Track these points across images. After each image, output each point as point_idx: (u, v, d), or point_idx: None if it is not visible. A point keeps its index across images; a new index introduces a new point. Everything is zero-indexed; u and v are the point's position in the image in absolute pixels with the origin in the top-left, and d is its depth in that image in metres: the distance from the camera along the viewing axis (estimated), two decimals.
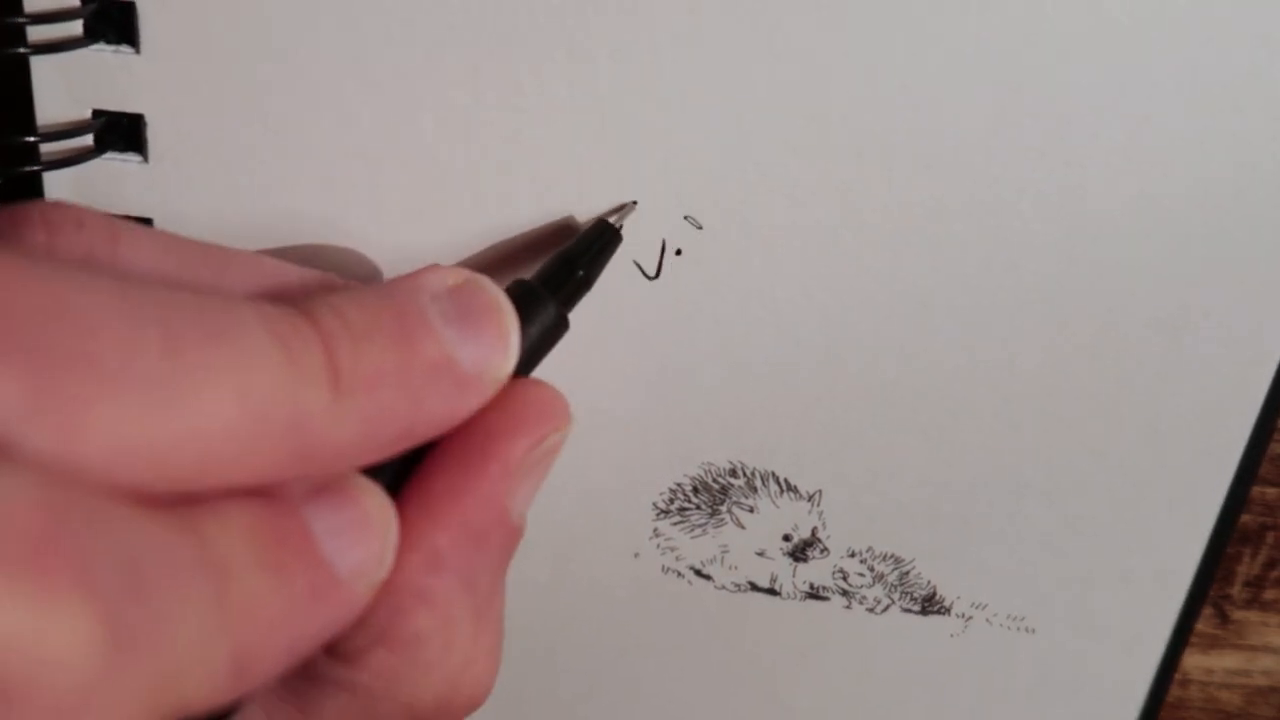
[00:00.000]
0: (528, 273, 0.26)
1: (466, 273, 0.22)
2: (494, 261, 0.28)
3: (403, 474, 0.22)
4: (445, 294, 0.21)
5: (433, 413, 0.20)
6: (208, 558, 0.17)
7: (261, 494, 0.18)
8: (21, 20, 0.23)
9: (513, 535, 0.23)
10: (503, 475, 0.22)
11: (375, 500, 0.20)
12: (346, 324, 0.19)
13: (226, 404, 0.17)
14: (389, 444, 0.20)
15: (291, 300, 0.20)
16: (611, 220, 0.27)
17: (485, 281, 0.22)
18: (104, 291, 0.16)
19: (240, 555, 0.17)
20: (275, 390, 0.17)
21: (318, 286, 0.22)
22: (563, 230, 0.27)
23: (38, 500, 0.14)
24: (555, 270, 0.25)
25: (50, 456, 0.15)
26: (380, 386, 0.19)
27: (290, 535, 0.18)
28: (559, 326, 0.25)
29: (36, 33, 0.24)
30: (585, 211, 0.27)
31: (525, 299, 0.24)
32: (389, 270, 0.27)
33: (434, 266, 0.21)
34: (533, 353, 0.24)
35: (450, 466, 0.22)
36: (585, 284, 0.26)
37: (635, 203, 0.27)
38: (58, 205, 0.19)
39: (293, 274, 0.22)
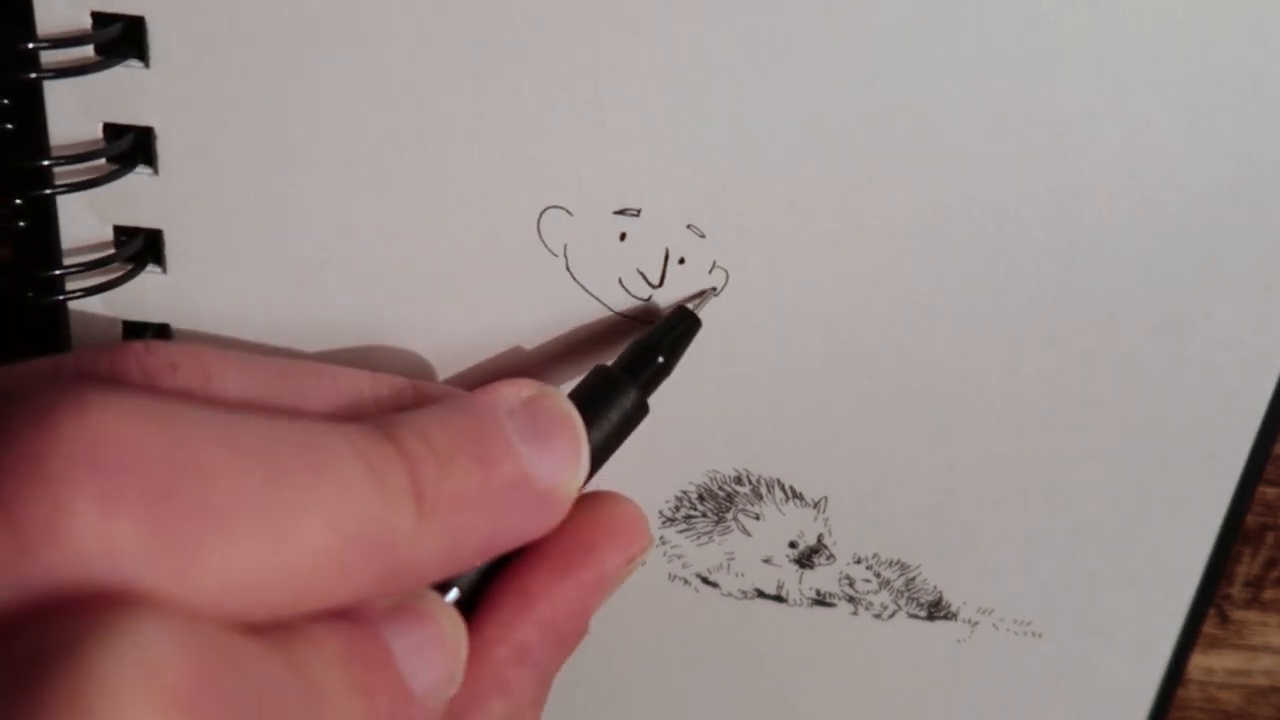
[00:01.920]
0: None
1: (537, 385, 0.23)
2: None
3: (484, 578, 0.23)
4: (520, 409, 0.22)
5: (510, 529, 0.22)
6: (308, 684, 0.18)
7: (344, 614, 0.19)
8: (35, 45, 0.23)
9: (583, 638, 0.24)
10: (595, 587, 0.23)
11: (449, 619, 0.21)
12: (430, 446, 0.20)
13: (323, 533, 0.18)
14: (469, 560, 0.21)
15: (368, 411, 0.22)
16: (691, 307, 0.28)
17: (556, 394, 0.23)
18: (210, 427, 0.18)
19: (334, 680, 0.18)
20: (366, 517, 0.18)
21: (389, 394, 0.23)
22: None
23: (183, 649, 0.15)
24: (636, 356, 0.26)
25: (166, 595, 0.16)
26: (462, 507, 0.20)
27: (375, 658, 0.19)
28: (640, 411, 0.26)
29: (50, 56, 0.24)
30: (587, 217, 0.27)
31: (608, 385, 0.25)
32: (391, 283, 0.27)
33: (509, 380, 0.23)
34: (614, 437, 0.25)
35: (546, 569, 0.23)
36: (665, 370, 0.27)
37: (715, 289, 0.28)
38: (151, 350, 0.20)
39: (364, 383, 0.23)
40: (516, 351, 0.29)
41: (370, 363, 0.28)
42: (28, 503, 0.16)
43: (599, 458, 0.25)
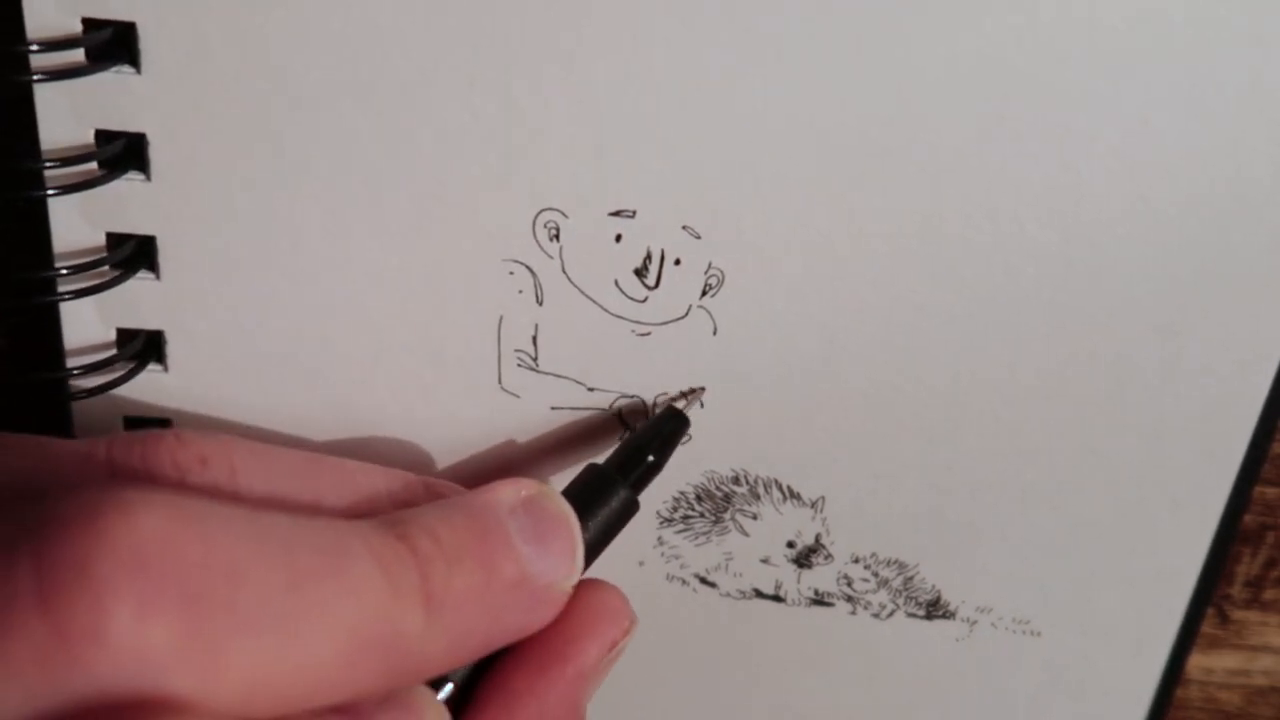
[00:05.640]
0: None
1: (535, 484, 0.24)
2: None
3: (477, 671, 0.24)
4: (520, 508, 0.23)
5: (510, 625, 0.23)
6: None
7: (338, 709, 0.20)
8: (24, 49, 0.23)
9: None
10: (578, 678, 0.24)
11: (435, 713, 0.22)
12: (439, 546, 0.21)
13: (339, 635, 0.19)
14: (468, 656, 0.22)
15: (381, 507, 0.23)
16: (680, 406, 0.29)
17: (553, 494, 0.24)
18: (240, 529, 0.18)
19: None
20: (379, 617, 0.19)
21: (401, 490, 0.24)
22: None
23: None
24: (628, 455, 0.27)
25: (190, 698, 0.17)
26: (466, 606, 0.21)
27: None
28: (631, 508, 0.27)
29: (40, 60, 0.24)
30: (583, 219, 0.27)
31: (600, 484, 0.26)
32: (386, 285, 0.27)
33: (508, 480, 0.24)
34: (606, 533, 0.26)
35: (529, 666, 0.24)
36: (656, 468, 0.28)
37: (704, 388, 0.29)
38: (183, 442, 0.21)
39: (379, 479, 0.24)
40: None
41: (367, 371, 0.28)
42: (74, 607, 0.16)
43: (592, 554, 0.25)
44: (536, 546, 0.23)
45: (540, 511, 0.23)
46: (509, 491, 0.23)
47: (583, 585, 0.24)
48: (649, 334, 0.29)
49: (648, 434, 0.28)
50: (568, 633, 0.24)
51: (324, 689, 0.19)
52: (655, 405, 0.29)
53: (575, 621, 0.24)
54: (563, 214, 0.27)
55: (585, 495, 0.26)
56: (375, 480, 0.24)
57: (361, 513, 0.22)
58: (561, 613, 0.24)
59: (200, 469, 0.21)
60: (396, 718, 0.20)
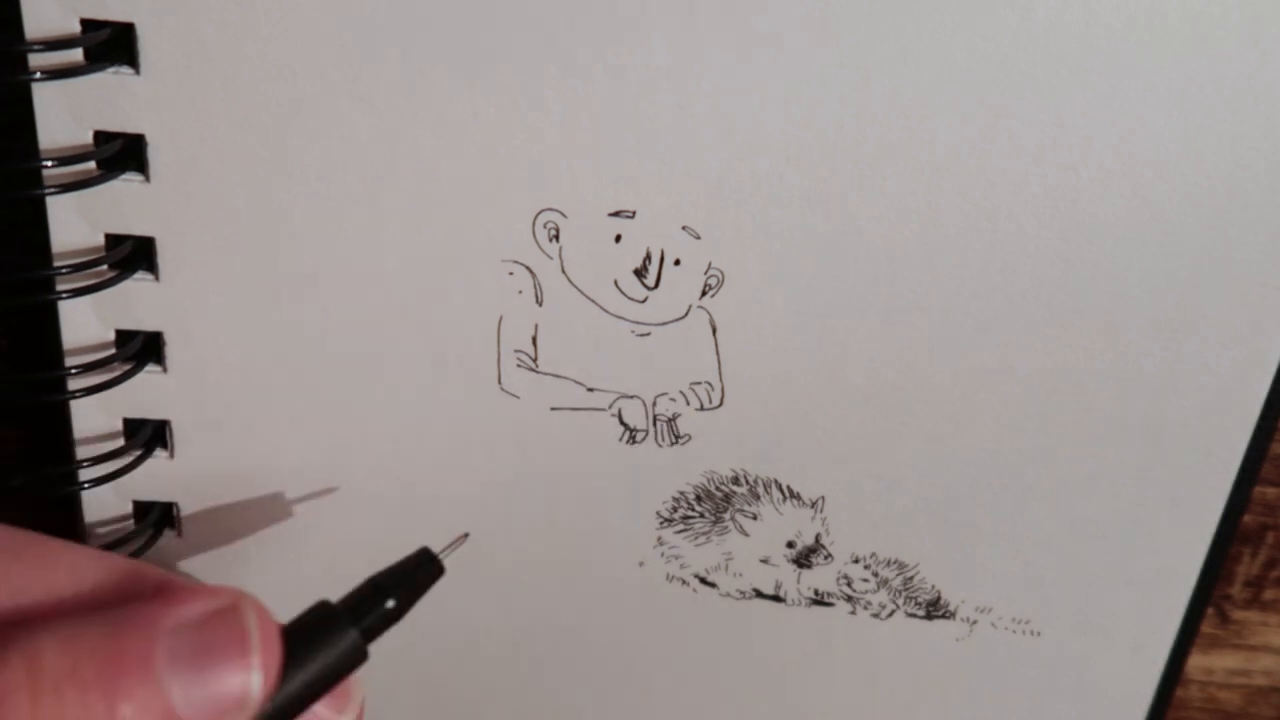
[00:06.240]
0: None
1: (232, 598, 0.20)
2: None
3: None
4: (191, 626, 0.20)
5: None
6: None
7: None
8: (23, 48, 0.23)
9: None
10: None
11: None
12: (35, 673, 0.18)
13: None
14: None
15: (83, 600, 0.19)
16: (441, 553, 0.25)
17: (246, 614, 0.20)
18: None
19: None
20: None
21: (119, 581, 0.21)
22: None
23: None
24: (364, 596, 0.23)
25: None
26: None
27: None
28: (356, 656, 0.23)
29: (38, 59, 0.24)
30: (582, 220, 0.27)
31: (325, 623, 0.23)
32: (385, 287, 0.27)
33: (204, 590, 0.20)
34: (321, 681, 0.22)
35: None
36: (395, 615, 0.24)
37: (466, 535, 0.26)
38: None
39: (90, 567, 0.21)
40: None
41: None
42: None
43: (302, 701, 0.22)
44: (193, 674, 0.19)
45: (215, 633, 0.20)
46: (191, 606, 0.20)
47: None
48: (649, 334, 0.29)
49: (392, 575, 0.24)
50: None
51: None
52: (654, 405, 0.29)
53: None
54: (562, 214, 0.27)
55: (306, 634, 0.22)
56: (84, 569, 0.20)
57: (50, 606, 0.19)
58: None
59: None
60: None
